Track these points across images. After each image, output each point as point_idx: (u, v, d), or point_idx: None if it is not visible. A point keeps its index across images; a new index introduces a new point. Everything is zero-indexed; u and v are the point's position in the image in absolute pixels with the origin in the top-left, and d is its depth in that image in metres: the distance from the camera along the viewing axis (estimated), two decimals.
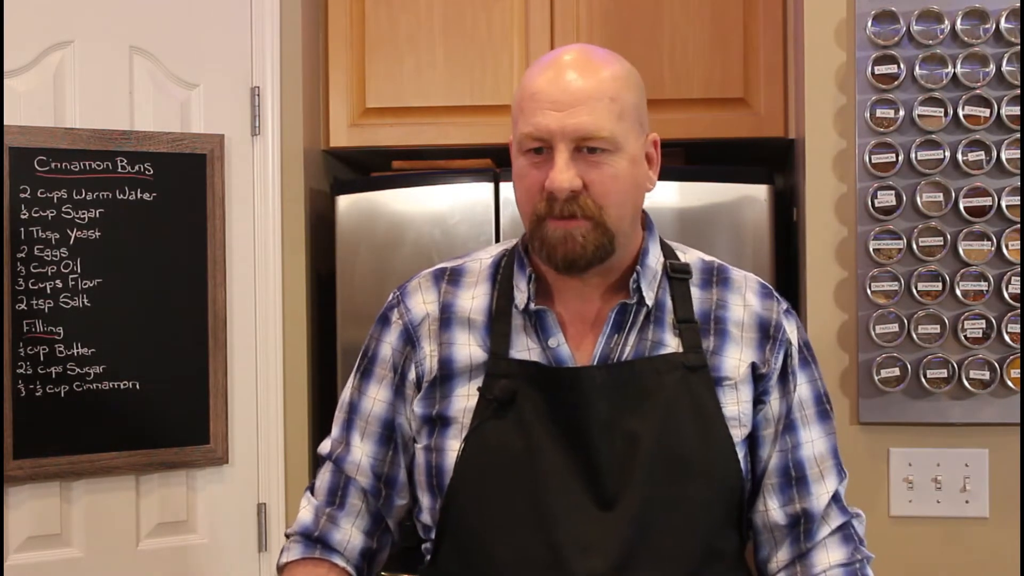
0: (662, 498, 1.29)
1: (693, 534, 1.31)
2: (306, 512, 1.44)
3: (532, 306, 1.36)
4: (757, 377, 1.37)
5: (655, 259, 1.39)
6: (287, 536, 1.45)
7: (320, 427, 2.63)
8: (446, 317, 1.39)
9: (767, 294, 1.43)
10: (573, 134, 1.28)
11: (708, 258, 1.45)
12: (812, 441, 1.40)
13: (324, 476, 1.45)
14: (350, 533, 1.42)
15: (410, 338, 1.41)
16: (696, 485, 1.31)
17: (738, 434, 1.34)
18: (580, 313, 1.37)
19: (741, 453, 1.35)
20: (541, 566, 1.27)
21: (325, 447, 1.47)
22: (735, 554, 1.38)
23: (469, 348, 1.37)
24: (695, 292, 1.39)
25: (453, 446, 1.33)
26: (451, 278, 1.43)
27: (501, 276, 1.41)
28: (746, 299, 1.41)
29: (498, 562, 1.30)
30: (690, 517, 1.30)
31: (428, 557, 1.40)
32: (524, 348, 1.35)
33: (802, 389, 1.40)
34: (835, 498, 1.40)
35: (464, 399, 1.35)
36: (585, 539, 1.27)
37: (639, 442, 1.29)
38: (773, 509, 1.39)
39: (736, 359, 1.36)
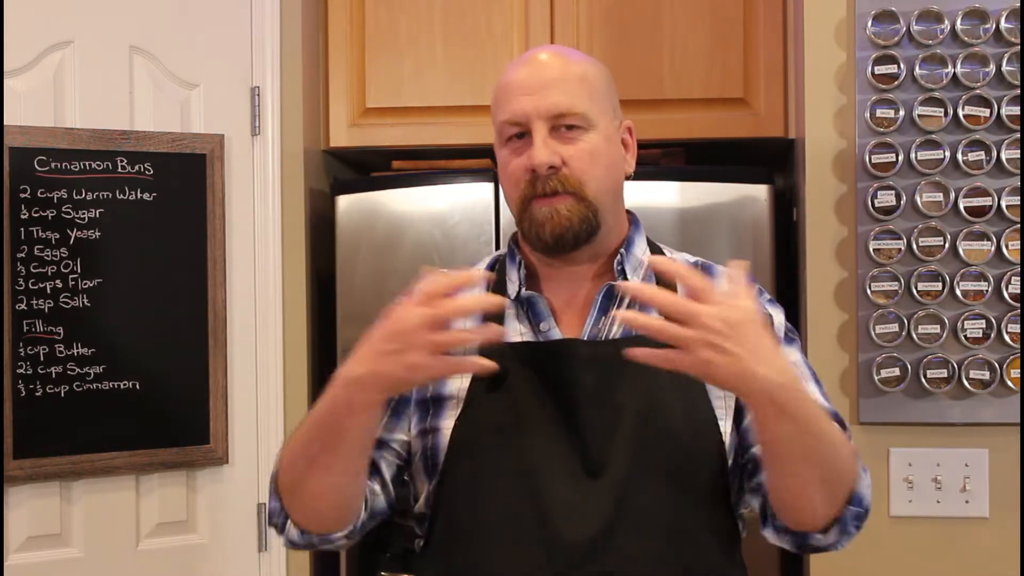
0: (647, 467, 1.32)
1: (677, 504, 1.33)
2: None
3: (523, 293, 1.41)
4: None
5: (641, 251, 1.44)
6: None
7: None
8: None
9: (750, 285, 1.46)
10: (547, 112, 1.35)
11: (694, 258, 1.50)
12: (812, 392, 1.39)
13: None
14: None
15: None
16: (680, 455, 1.33)
17: (721, 405, 1.37)
18: (569, 299, 1.42)
19: (727, 427, 1.37)
20: (530, 533, 1.30)
21: None
22: (724, 532, 1.39)
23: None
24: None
25: (447, 425, 1.37)
26: None
27: (495, 273, 1.45)
28: None
29: (488, 529, 1.33)
30: (674, 487, 1.33)
31: (421, 543, 1.42)
32: (517, 334, 1.40)
33: (791, 357, 1.41)
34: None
35: (458, 380, 1.38)
36: (572, 505, 1.30)
37: (624, 413, 1.33)
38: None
39: None
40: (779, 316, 1.46)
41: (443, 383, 1.39)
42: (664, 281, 1.40)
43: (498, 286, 1.43)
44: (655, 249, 1.48)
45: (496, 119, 1.42)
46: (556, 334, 1.39)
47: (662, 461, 1.32)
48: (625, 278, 1.40)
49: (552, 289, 1.42)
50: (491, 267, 1.48)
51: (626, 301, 1.40)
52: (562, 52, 1.43)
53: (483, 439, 1.35)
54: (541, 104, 1.35)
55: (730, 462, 1.38)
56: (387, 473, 1.42)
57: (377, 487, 1.42)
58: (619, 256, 1.41)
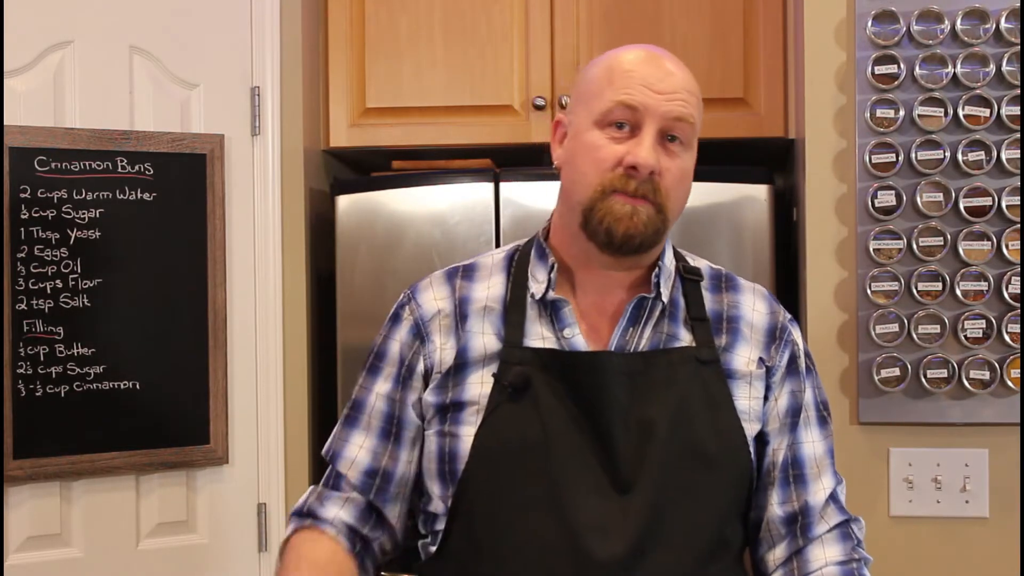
0: (676, 485, 1.30)
1: (705, 522, 1.32)
2: (302, 497, 1.46)
3: (550, 295, 1.37)
4: (765, 372, 1.40)
5: (670, 260, 1.42)
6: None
7: (320, 427, 2.63)
8: (463, 311, 1.40)
9: (774, 301, 1.47)
10: (667, 114, 1.31)
11: (716, 266, 1.48)
12: (812, 442, 1.42)
13: (326, 471, 1.48)
14: (337, 511, 1.42)
15: (420, 333, 1.41)
16: (709, 474, 1.32)
17: (748, 427, 1.36)
18: (597, 305, 1.38)
19: (752, 447, 1.36)
20: (558, 550, 1.28)
21: (325, 446, 1.48)
22: (740, 547, 1.40)
23: (483, 337, 1.37)
24: (706, 295, 1.42)
25: (467, 432, 1.34)
26: (464, 274, 1.44)
27: (516, 267, 1.41)
28: (755, 303, 1.44)
29: (514, 546, 1.30)
30: (703, 505, 1.32)
31: (433, 548, 1.40)
32: (538, 337, 1.36)
33: (806, 394, 1.43)
34: (833, 497, 1.41)
35: (478, 386, 1.35)
36: (602, 522, 1.28)
37: (654, 429, 1.30)
38: (773, 505, 1.40)
39: (746, 357, 1.39)
40: (801, 342, 1.45)
41: (462, 388, 1.36)
42: (689, 292, 1.41)
43: (518, 280, 1.40)
44: (678, 255, 1.45)
45: (603, 96, 1.33)
46: (580, 341, 1.35)
47: (691, 478, 1.31)
48: (659, 291, 1.37)
49: (582, 293, 1.38)
50: (510, 256, 1.44)
51: (656, 314, 1.37)
52: (680, 65, 1.37)
53: (507, 452, 1.31)
54: (664, 106, 1.31)
55: (754, 481, 1.38)
56: (394, 511, 1.44)
57: (384, 527, 1.44)
58: (656, 269, 1.38)
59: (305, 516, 1.43)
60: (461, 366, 1.37)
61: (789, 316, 1.47)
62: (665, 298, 1.38)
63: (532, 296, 1.37)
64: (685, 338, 1.37)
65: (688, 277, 1.42)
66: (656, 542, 1.28)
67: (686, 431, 1.31)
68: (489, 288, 1.41)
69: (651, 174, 1.30)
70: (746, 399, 1.37)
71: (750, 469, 1.36)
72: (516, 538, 1.30)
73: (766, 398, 1.39)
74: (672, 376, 1.33)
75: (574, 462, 1.30)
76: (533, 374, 1.32)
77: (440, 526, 1.38)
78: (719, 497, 1.34)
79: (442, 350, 1.38)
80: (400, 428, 1.42)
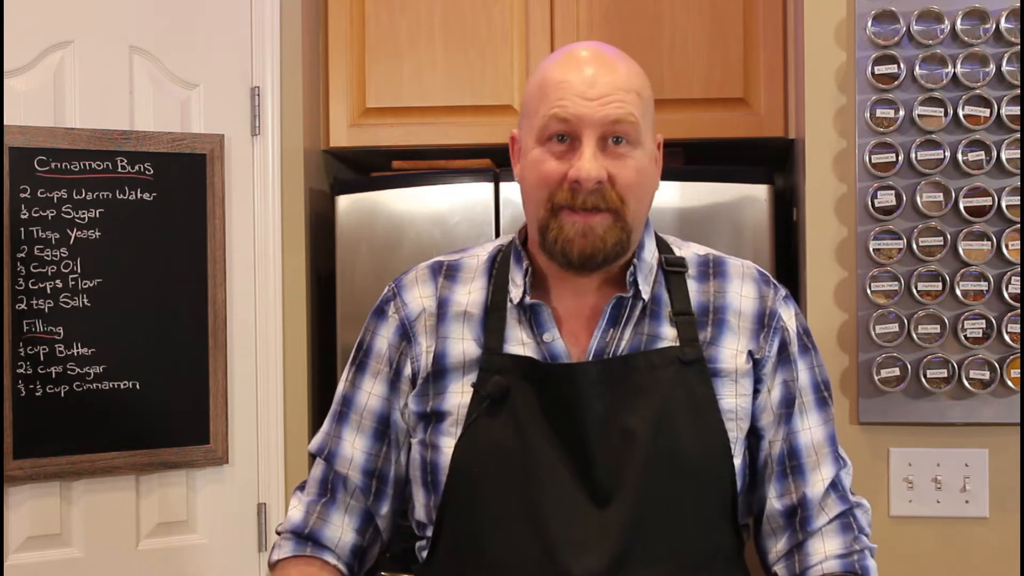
0: (657, 495, 1.28)
1: (689, 531, 1.30)
2: (296, 510, 1.43)
3: (527, 300, 1.35)
4: (754, 364, 1.36)
5: (651, 254, 1.39)
6: (278, 533, 1.44)
7: (320, 427, 2.63)
8: (443, 312, 1.39)
9: (765, 282, 1.42)
10: (603, 120, 1.28)
11: (704, 251, 1.44)
12: (809, 429, 1.39)
13: (315, 472, 1.45)
14: (341, 530, 1.41)
15: (406, 333, 1.40)
16: (690, 482, 1.30)
17: (734, 427, 1.33)
18: (576, 307, 1.36)
19: (739, 449, 1.34)
20: (537, 565, 1.27)
21: (315, 443, 1.46)
22: (732, 551, 1.38)
23: (463, 343, 1.36)
24: (692, 285, 1.39)
25: (447, 443, 1.33)
26: (448, 273, 1.43)
27: (497, 271, 1.40)
28: (744, 288, 1.40)
29: (494, 561, 1.29)
30: (685, 514, 1.30)
31: (424, 554, 1.40)
32: (518, 343, 1.34)
33: (800, 377, 1.40)
34: (833, 486, 1.39)
35: (458, 395, 1.34)
36: (581, 537, 1.26)
37: (634, 438, 1.28)
38: (771, 499, 1.38)
39: (733, 350, 1.36)
40: (794, 322, 1.41)
41: (442, 398, 1.35)
42: (673, 285, 1.38)
43: (499, 284, 1.38)
44: (663, 245, 1.42)
45: (538, 112, 1.31)
46: (559, 345, 1.34)
47: (672, 488, 1.29)
48: (637, 289, 1.34)
49: (559, 296, 1.36)
50: (493, 257, 1.42)
51: (636, 313, 1.35)
52: (610, 56, 1.33)
53: (487, 466, 1.30)
54: (598, 114, 1.27)
55: (740, 484, 1.36)
56: (387, 514, 1.43)
57: (380, 532, 1.44)
58: (632, 267, 1.34)
59: (305, 540, 1.41)
60: (440, 373, 1.36)
61: (783, 294, 1.42)
62: (645, 295, 1.35)
63: (511, 301, 1.36)
64: (668, 336, 1.34)
65: (671, 270, 1.38)
66: (637, 555, 1.27)
67: (667, 438, 1.29)
68: (470, 293, 1.39)
69: (598, 184, 1.27)
70: (732, 397, 1.34)
71: (732, 474, 1.33)
72: (495, 552, 1.29)
73: (757, 391, 1.37)
74: (653, 380, 1.31)
75: (552, 476, 1.28)
76: (512, 383, 1.31)
77: (428, 533, 1.38)
78: (704, 505, 1.32)
79: (427, 353, 1.37)
80: (393, 430, 1.41)
